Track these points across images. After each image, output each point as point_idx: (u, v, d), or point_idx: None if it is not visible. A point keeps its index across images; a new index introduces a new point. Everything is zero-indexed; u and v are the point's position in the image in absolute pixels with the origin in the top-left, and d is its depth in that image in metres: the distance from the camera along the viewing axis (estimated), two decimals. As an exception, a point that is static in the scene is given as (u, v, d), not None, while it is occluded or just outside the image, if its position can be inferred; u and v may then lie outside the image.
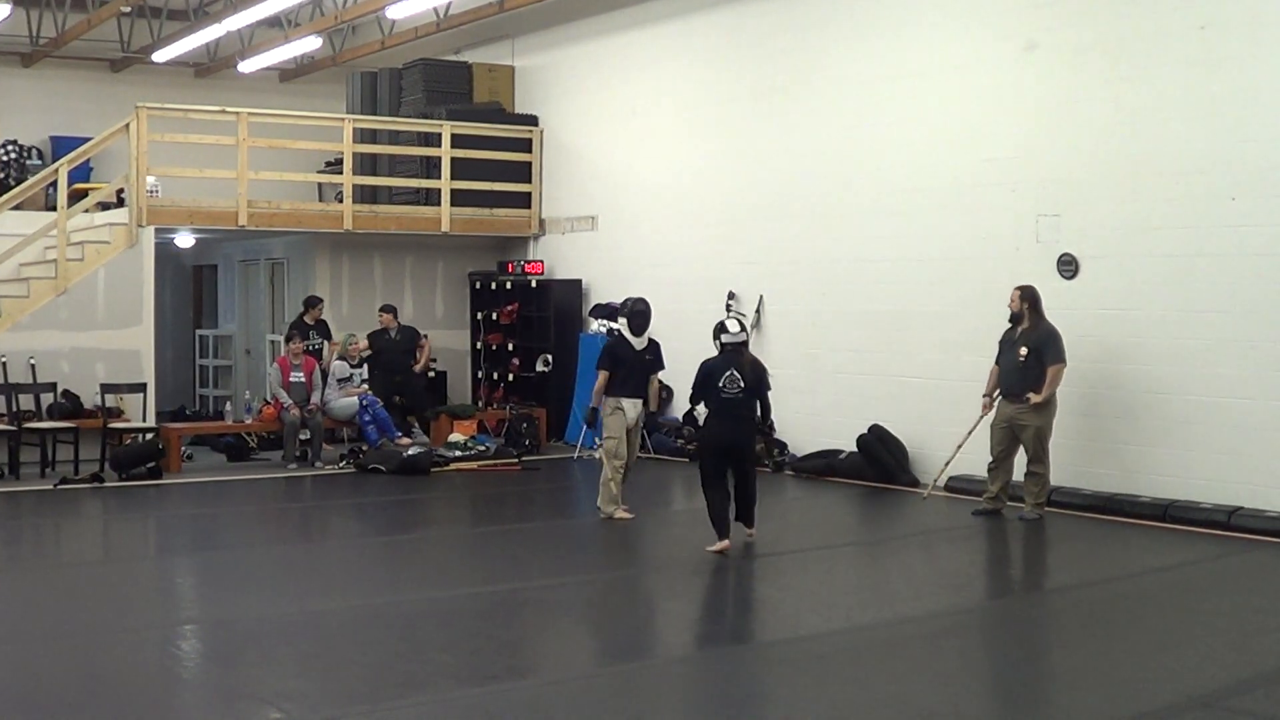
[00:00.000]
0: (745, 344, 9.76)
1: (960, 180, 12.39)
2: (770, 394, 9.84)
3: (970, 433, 11.41)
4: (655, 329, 11.12)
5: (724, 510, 9.50)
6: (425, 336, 16.15)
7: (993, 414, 11.10)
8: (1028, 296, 10.90)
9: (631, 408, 10.83)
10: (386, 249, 17.33)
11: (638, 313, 11.00)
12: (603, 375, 10.86)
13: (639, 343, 10.90)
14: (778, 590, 8.90)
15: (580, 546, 10.62)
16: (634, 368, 10.86)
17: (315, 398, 14.60)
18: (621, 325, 11.16)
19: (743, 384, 9.49)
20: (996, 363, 11.11)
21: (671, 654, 7.42)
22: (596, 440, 14.66)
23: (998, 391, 11.07)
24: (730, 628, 8.20)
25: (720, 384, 9.48)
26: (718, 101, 15.04)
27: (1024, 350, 10.79)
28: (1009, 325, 11.01)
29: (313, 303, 15.96)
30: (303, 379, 14.60)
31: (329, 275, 17.14)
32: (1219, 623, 7.87)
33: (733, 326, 9.74)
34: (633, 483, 11.17)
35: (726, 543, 9.42)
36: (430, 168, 16.87)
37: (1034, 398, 10.69)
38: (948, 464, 11.76)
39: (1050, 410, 10.79)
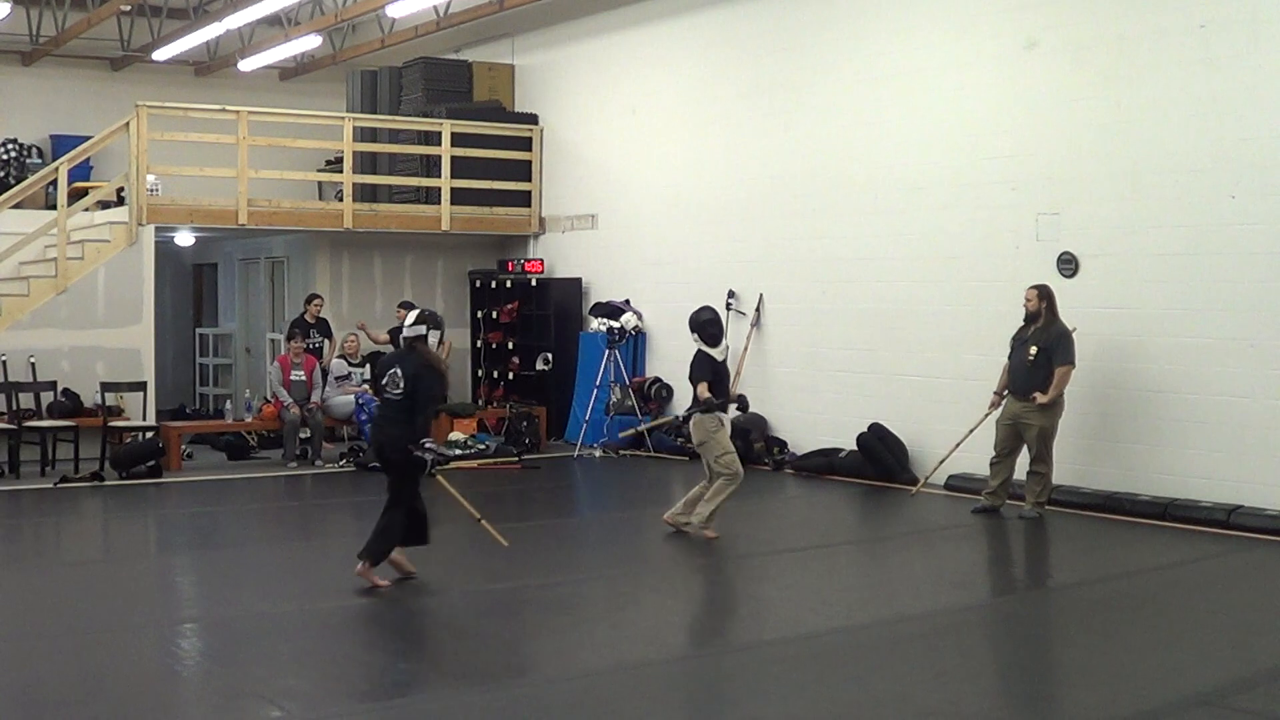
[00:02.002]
0: (423, 338, 8.45)
1: (960, 179, 12.39)
2: (430, 403, 8.47)
3: (971, 431, 11.41)
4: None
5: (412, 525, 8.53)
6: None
7: (998, 411, 11.10)
8: (1045, 295, 10.85)
9: (727, 420, 10.26)
10: (387, 247, 17.33)
11: (707, 321, 10.13)
12: (703, 385, 9.95)
13: (719, 353, 10.18)
14: (778, 589, 8.89)
15: (580, 545, 10.65)
16: (722, 378, 10.24)
17: (315, 396, 14.61)
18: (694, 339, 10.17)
19: (401, 386, 8.32)
20: (1009, 359, 11.09)
21: (671, 653, 7.41)
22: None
23: (1007, 389, 11.06)
24: (730, 626, 8.20)
25: (384, 382, 8.42)
26: (718, 100, 15.04)
27: (1034, 349, 10.75)
28: (1023, 323, 10.98)
29: (312, 300, 15.96)
30: (303, 377, 14.60)
31: (329, 274, 17.14)
32: (1219, 621, 7.88)
33: (410, 318, 8.60)
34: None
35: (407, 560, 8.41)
36: (430, 166, 16.87)
37: (1040, 398, 10.67)
38: (942, 462, 11.76)
39: (1056, 411, 10.77)
